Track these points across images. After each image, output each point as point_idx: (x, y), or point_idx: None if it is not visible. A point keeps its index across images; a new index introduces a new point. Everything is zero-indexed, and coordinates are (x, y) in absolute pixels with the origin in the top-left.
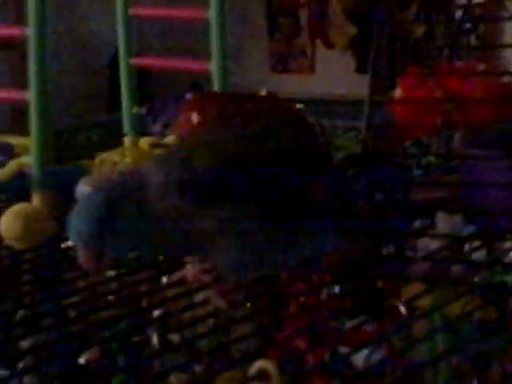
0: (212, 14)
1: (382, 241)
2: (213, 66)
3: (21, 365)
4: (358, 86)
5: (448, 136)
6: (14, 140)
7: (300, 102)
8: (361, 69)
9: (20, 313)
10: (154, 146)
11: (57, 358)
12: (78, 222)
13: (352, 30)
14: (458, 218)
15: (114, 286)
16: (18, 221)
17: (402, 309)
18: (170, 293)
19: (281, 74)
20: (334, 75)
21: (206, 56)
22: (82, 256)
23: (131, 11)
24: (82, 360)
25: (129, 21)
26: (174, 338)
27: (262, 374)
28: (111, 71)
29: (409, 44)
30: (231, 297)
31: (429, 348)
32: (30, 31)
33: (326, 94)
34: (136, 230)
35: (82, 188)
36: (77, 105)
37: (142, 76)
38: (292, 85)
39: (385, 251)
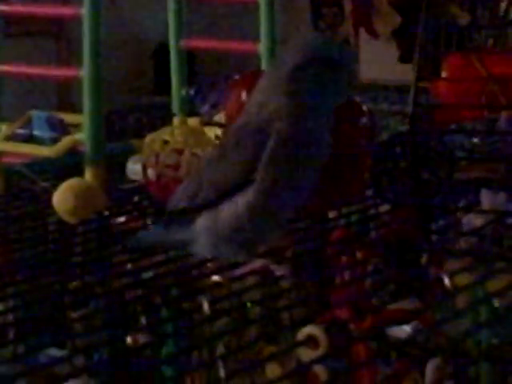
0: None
1: (428, 216)
2: (261, 47)
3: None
4: (401, 76)
5: (492, 117)
6: (66, 116)
7: None
8: (404, 59)
9: (72, 284)
10: (204, 124)
11: (107, 327)
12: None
13: (396, 19)
14: (501, 196)
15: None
16: (71, 195)
17: (447, 281)
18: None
19: None
20: (378, 65)
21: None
22: None
23: None
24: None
25: (179, 3)
26: (225, 305)
27: (311, 340)
28: (158, 55)
29: (453, 34)
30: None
31: (471, 321)
32: (84, 10)
33: (371, 80)
34: None
35: (132, 165)
36: (124, 87)
37: (188, 58)
38: None
39: (431, 227)
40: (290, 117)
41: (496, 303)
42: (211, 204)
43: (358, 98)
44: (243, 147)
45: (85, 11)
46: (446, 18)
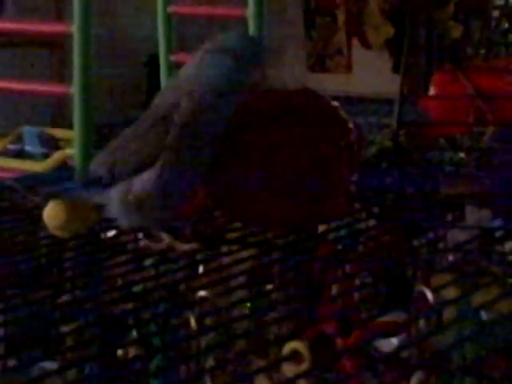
0: (250, 12)
1: (413, 232)
2: None
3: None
4: (394, 86)
5: (480, 133)
6: (57, 132)
7: (336, 99)
8: (397, 69)
9: (63, 297)
10: None
11: (96, 341)
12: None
13: (389, 29)
14: (486, 212)
15: (152, 273)
16: (61, 210)
17: (430, 296)
18: (207, 280)
19: (318, 73)
20: (371, 75)
21: None
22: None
23: (170, 9)
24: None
25: (169, 18)
26: (211, 321)
27: (295, 355)
28: (149, 68)
29: (446, 44)
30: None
31: (455, 335)
32: (74, 28)
33: (363, 93)
34: None
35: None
36: (115, 101)
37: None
38: (329, 84)
39: (416, 242)
40: (189, 104)
41: (483, 316)
42: (124, 177)
43: (346, 112)
44: (153, 132)
45: (75, 28)
46: (438, 29)
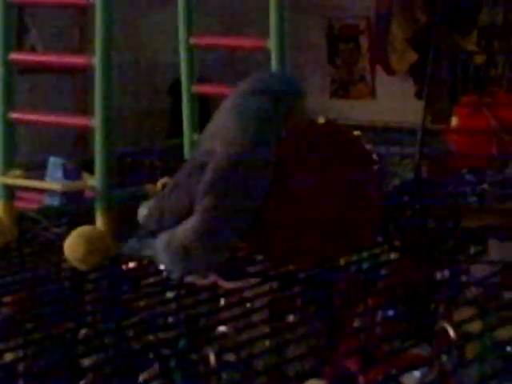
0: (272, 43)
1: (436, 266)
2: None
3: (82, 382)
4: (417, 113)
5: (503, 164)
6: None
7: (360, 128)
8: (421, 95)
9: (82, 331)
10: None
11: (117, 376)
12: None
13: (412, 56)
14: (509, 245)
15: (173, 306)
16: (81, 242)
17: (452, 332)
18: (228, 314)
19: (341, 99)
20: (395, 101)
21: None
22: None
23: (193, 40)
24: (141, 378)
25: (190, 49)
26: (231, 357)
27: None
28: (173, 95)
29: (469, 72)
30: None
31: (479, 371)
32: (96, 60)
33: (386, 121)
34: None
35: (144, 211)
36: (139, 129)
37: (201, 103)
38: (352, 110)
39: (438, 276)
40: (225, 149)
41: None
42: (171, 226)
43: (369, 143)
44: (191, 178)
45: (96, 60)
46: (461, 57)
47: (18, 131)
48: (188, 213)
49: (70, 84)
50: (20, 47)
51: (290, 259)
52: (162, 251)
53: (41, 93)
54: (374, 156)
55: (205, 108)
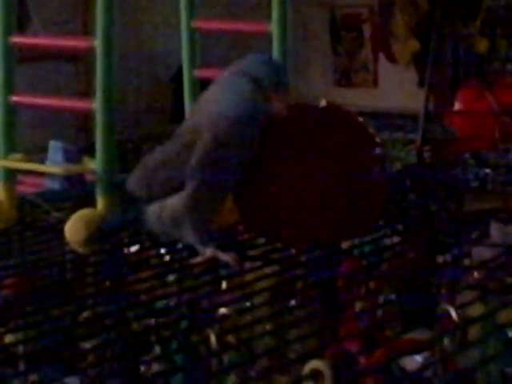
0: (274, 27)
1: (438, 249)
2: None
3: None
4: (420, 101)
5: (506, 149)
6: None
7: (363, 114)
8: (423, 83)
9: (83, 314)
10: None
11: (118, 358)
12: None
13: (415, 44)
14: (511, 228)
15: (174, 289)
16: (82, 226)
17: (454, 315)
18: (230, 296)
19: (344, 87)
20: (397, 89)
21: None
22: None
23: (194, 24)
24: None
25: (192, 33)
26: (232, 339)
27: (316, 374)
28: (176, 84)
29: (472, 58)
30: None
31: (480, 354)
32: (97, 43)
33: (388, 108)
34: None
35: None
36: (142, 116)
37: (204, 88)
38: (355, 98)
39: (440, 259)
40: (212, 127)
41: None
42: (160, 197)
43: (372, 128)
44: (179, 159)
45: (98, 43)
46: (464, 44)
47: (21, 119)
48: (178, 187)
49: (72, 72)
50: (23, 34)
51: (291, 241)
52: (152, 219)
53: (43, 81)
54: (377, 139)
55: None
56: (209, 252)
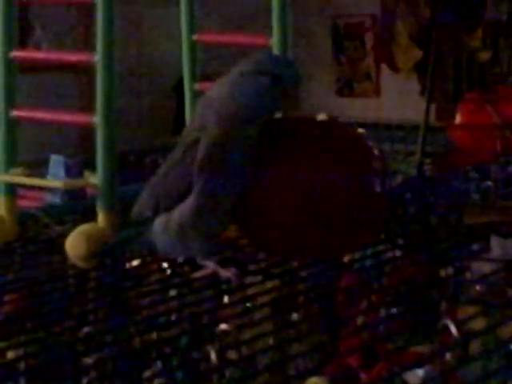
0: (274, 40)
1: (439, 263)
2: None
3: (84, 381)
4: (422, 111)
5: (507, 162)
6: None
7: (364, 125)
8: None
9: (84, 329)
10: None
11: (119, 374)
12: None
13: (417, 54)
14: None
15: (175, 304)
16: (83, 241)
17: (454, 329)
18: (231, 311)
19: (346, 97)
20: (399, 99)
21: None
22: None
23: (195, 37)
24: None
25: (193, 46)
26: (233, 354)
27: None
28: (177, 94)
29: (474, 69)
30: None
31: (482, 368)
32: (97, 57)
33: (391, 118)
34: None
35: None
36: (144, 128)
37: None
38: (357, 108)
39: (442, 273)
40: (216, 124)
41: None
42: (167, 207)
43: (372, 139)
44: (186, 157)
45: (98, 58)
46: (466, 54)
47: (23, 133)
48: (186, 193)
49: (74, 84)
50: (24, 46)
51: (291, 254)
52: (157, 232)
53: (45, 93)
54: (377, 152)
55: None
56: (210, 266)
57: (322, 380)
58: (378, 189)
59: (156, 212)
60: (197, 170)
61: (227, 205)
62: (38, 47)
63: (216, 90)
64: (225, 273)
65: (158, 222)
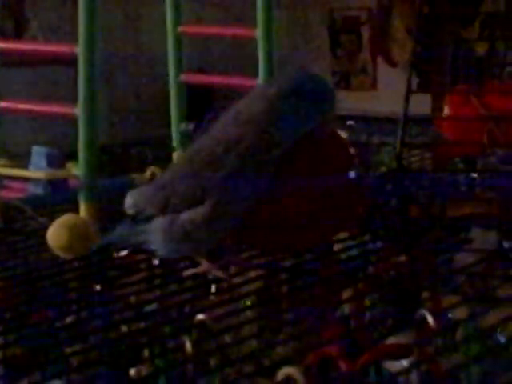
0: (259, 32)
1: (419, 254)
2: (259, 82)
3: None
4: (419, 104)
5: (494, 154)
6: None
7: (357, 118)
8: (422, 86)
9: (66, 319)
10: None
11: (102, 362)
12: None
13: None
14: (493, 234)
15: (159, 293)
16: (64, 231)
17: (430, 320)
18: (213, 300)
19: (342, 90)
20: (396, 92)
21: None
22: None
23: (181, 28)
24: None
25: (178, 38)
26: (209, 344)
27: (290, 381)
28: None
29: (471, 62)
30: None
31: (462, 357)
32: (79, 49)
33: (387, 111)
34: None
35: (129, 200)
36: (134, 120)
37: (206, 95)
38: (353, 101)
39: (422, 264)
40: (252, 142)
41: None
42: (176, 209)
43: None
44: (206, 168)
45: (79, 50)
46: (463, 47)
47: (5, 124)
48: (198, 201)
49: (71, 78)
50: (20, 38)
51: (273, 247)
52: (158, 231)
53: (41, 86)
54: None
55: (208, 100)
56: (204, 265)
57: (295, 370)
58: (355, 181)
59: (162, 212)
60: (216, 186)
61: (238, 215)
62: (34, 40)
63: (252, 100)
64: (218, 273)
65: (160, 222)
